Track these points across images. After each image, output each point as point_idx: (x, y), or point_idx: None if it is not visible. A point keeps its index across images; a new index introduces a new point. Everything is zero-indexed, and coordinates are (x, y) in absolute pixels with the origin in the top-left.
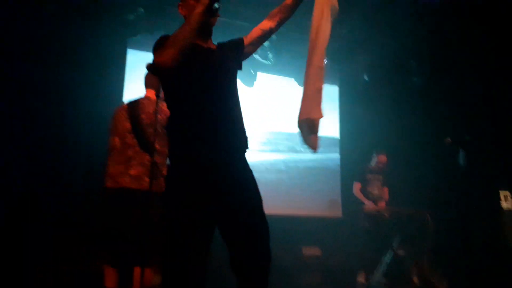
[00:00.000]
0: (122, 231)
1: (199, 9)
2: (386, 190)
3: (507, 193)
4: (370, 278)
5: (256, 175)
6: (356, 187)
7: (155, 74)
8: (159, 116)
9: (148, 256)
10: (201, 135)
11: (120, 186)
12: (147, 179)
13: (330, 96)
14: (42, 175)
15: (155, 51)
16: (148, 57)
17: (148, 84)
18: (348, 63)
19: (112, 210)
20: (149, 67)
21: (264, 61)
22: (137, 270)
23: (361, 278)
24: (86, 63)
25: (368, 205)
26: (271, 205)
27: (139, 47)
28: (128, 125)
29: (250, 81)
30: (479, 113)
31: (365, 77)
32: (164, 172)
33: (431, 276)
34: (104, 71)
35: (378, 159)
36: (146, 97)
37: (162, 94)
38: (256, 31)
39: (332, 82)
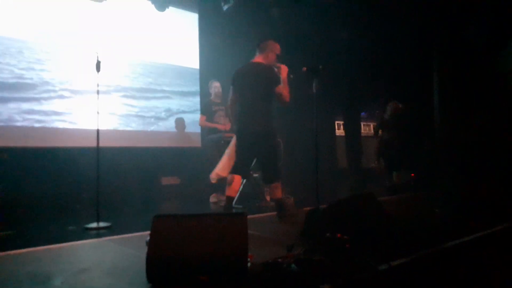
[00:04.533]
0: None
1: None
2: (229, 121)
3: (341, 122)
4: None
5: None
6: (202, 119)
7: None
8: None
9: None
10: None
11: None
12: None
13: (191, 24)
14: None
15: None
16: None
17: None
18: None
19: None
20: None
21: None
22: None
23: (213, 199)
24: None
25: (220, 127)
26: (135, 139)
27: None
28: None
29: None
30: (331, 44)
31: (223, 7)
32: None
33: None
34: None
35: (213, 87)
36: None
37: None
38: None
39: (192, 10)
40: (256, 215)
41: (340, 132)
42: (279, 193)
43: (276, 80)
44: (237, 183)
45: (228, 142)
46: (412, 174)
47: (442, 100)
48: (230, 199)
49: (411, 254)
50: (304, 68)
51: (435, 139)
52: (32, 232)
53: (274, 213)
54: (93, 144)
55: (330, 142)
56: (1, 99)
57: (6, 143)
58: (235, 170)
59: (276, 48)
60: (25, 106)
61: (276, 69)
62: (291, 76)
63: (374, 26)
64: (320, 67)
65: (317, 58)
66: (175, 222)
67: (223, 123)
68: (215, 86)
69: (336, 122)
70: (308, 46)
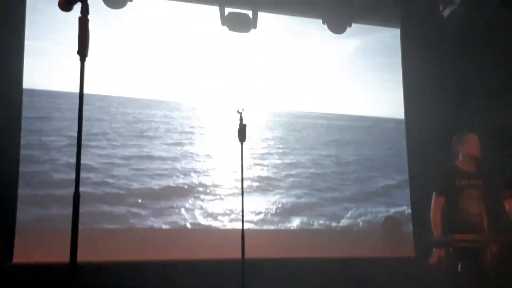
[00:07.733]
0: None
1: None
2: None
3: None
4: None
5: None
6: (438, 204)
7: None
8: None
9: None
10: None
11: None
12: None
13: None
14: None
15: None
16: None
17: None
18: None
19: None
20: None
21: None
22: None
23: None
24: None
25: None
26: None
27: None
28: None
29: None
30: None
31: (443, 12)
32: None
33: None
34: None
35: (467, 145)
36: None
37: None
38: None
39: (394, 25)
40: None
41: None
42: None
43: None
44: None
45: (468, 253)
46: None
47: None
48: None
49: None
50: None
51: None
52: None
53: None
54: None
55: None
56: None
57: None
58: None
59: None
60: None
61: None
62: None
63: None
64: None
65: None
66: None
67: (478, 211)
68: (472, 143)
69: None
70: None
